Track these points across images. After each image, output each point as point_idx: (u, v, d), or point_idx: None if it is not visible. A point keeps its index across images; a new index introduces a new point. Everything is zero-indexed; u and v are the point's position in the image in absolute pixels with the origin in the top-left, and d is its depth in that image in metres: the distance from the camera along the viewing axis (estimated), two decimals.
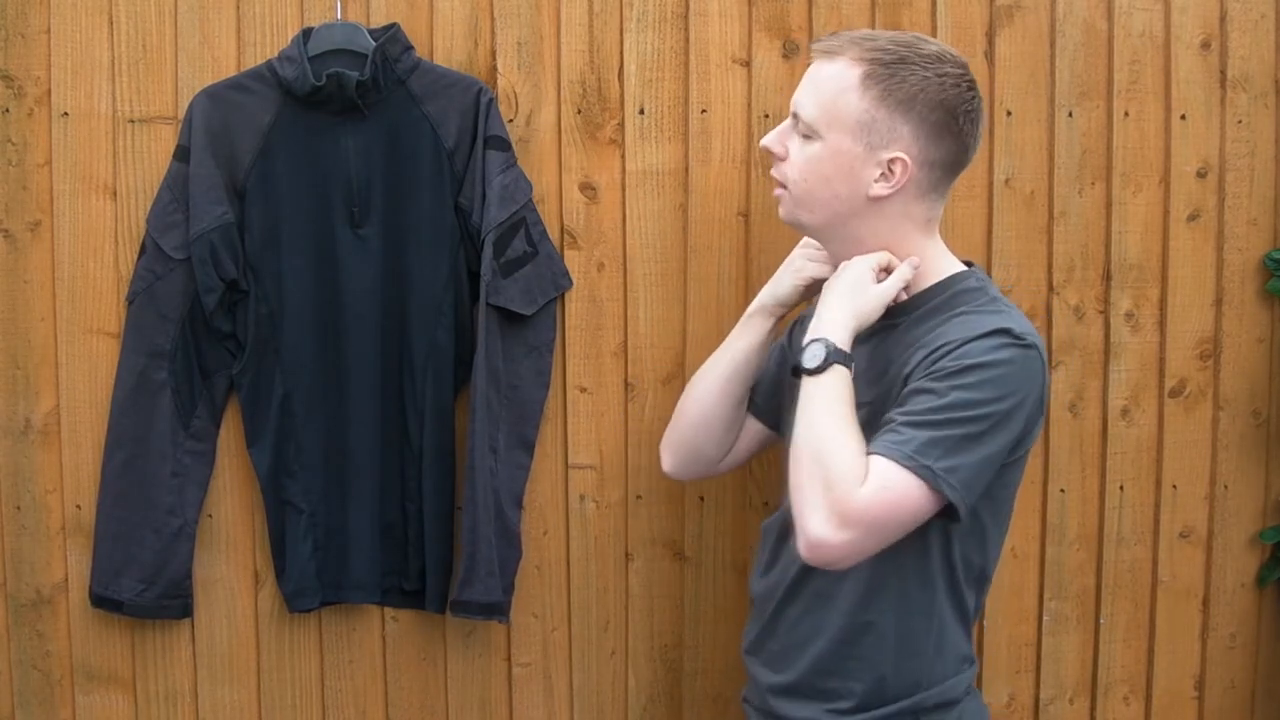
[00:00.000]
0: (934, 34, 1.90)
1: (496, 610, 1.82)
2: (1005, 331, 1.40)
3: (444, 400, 1.84)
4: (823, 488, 1.33)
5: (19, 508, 1.87)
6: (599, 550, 1.94)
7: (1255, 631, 2.06)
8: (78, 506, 1.87)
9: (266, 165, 1.80)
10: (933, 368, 1.39)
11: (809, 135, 1.48)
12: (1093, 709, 2.03)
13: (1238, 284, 2.00)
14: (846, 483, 1.33)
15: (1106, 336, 1.98)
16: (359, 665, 1.92)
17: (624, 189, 1.89)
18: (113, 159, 1.83)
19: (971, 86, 1.47)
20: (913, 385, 1.40)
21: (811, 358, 1.41)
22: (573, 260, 1.89)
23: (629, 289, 1.90)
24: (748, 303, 1.90)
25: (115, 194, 1.84)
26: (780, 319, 1.70)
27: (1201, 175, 1.98)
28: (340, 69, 1.76)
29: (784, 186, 1.52)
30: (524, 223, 1.82)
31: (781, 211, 1.54)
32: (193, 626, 1.89)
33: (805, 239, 1.66)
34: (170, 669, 1.90)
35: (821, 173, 1.48)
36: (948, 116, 1.45)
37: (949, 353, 1.39)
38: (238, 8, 1.83)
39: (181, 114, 1.81)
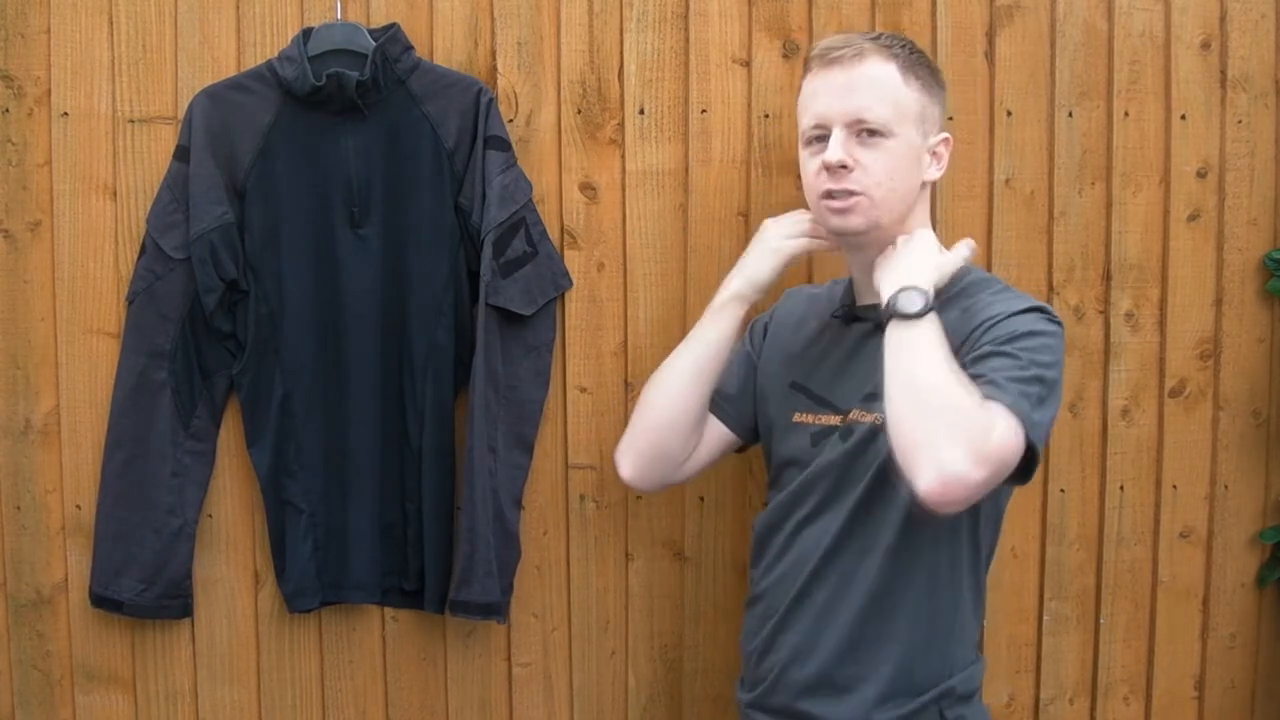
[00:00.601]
0: (934, 34, 1.91)
1: (495, 610, 1.82)
2: (1041, 309, 1.48)
3: (444, 400, 1.84)
4: (960, 426, 1.31)
5: (19, 508, 1.87)
6: (599, 550, 1.94)
7: (1255, 631, 2.06)
8: (78, 506, 1.87)
9: (266, 165, 1.80)
10: (986, 337, 1.42)
11: (882, 135, 1.50)
12: (1093, 709, 2.03)
13: (1238, 284, 2.00)
14: (981, 423, 1.31)
15: (1106, 336, 1.98)
16: (359, 665, 1.92)
17: (624, 189, 1.89)
18: (113, 159, 1.84)
19: None
20: (976, 354, 1.41)
21: (909, 302, 1.40)
22: (573, 260, 1.89)
23: (629, 289, 1.90)
24: None
25: (115, 194, 1.84)
26: (753, 306, 1.67)
27: (1201, 175, 1.98)
28: (340, 69, 1.76)
29: (856, 195, 1.52)
30: (524, 223, 1.82)
31: (856, 221, 1.53)
32: (193, 626, 1.89)
33: (776, 218, 1.66)
34: (170, 669, 1.90)
35: (902, 170, 1.53)
36: (944, 90, 1.61)
37: (998, 323, 1.43)
38: (238, 8, 1.84)
39: (181, 114, 1.81)
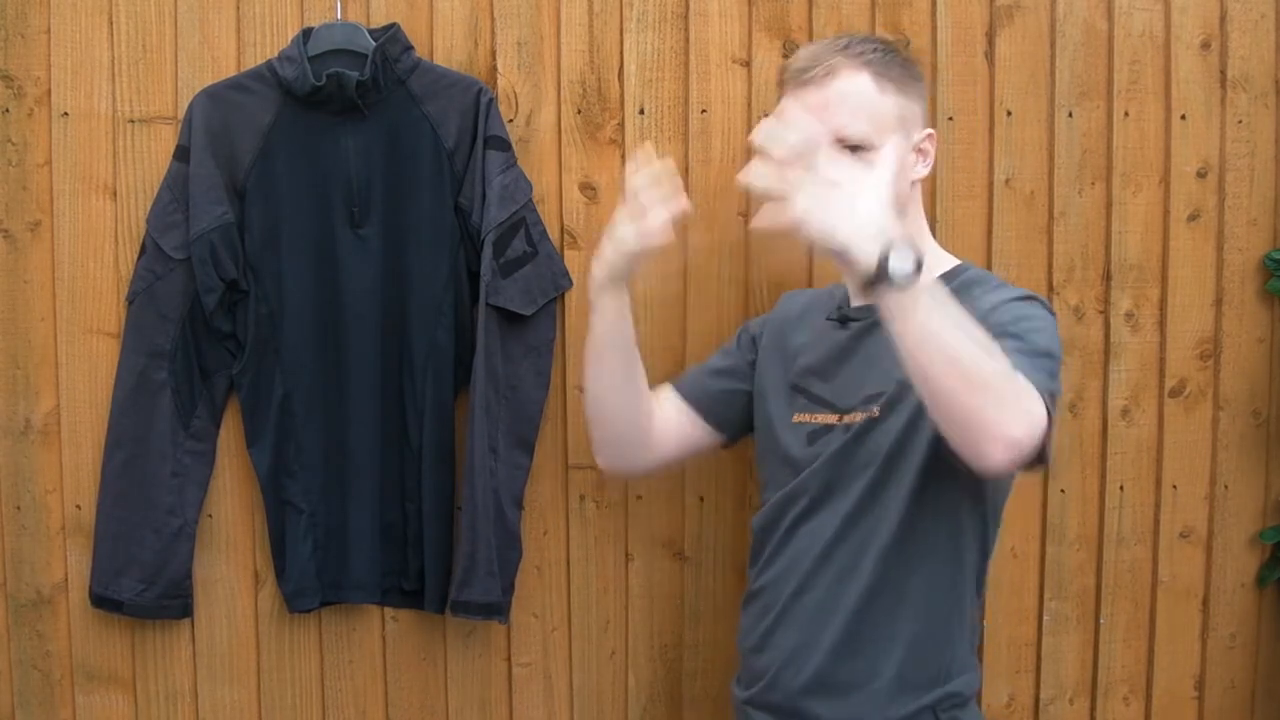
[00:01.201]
0: (934, 34, 1.91)
1: (495, 610, 1.82)
2: (1035, 298, 1.49)
3: (444, 400, 1.84)
4: (1011, 392, 1.27)
5: (19, 508, 1.87)
6: (599, 550, 1.94)
7: (1255, 631, 2.06)
8: (78, 506, 1.87)
9: (266, 165, 1.80)
10: (988, 324, 1.36)
11: (864, 149, 1.49)
12: (1093, 709, 2.03)
13: (1238, 284, 2.00)
14: (1027, 390, 1.29)
15: (1106, 336, 1.98)
16: (359, 665, 1.92)
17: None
18: (113, 159, 1.84)
19: None
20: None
21: (901, 262, 1.21)
22: (573, 260, 1.88)
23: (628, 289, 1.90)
24: (748, 302, 1.91)
25: (115, 194, 1.84)
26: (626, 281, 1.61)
27: (1201, 175, 1.98)
28: (340, 69, 1.76)
29: None
30: (524, 223, 1.82)
31: None
32: (193, 626, 1.89)
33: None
34: (170, 669, 1.90)
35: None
36: (922, 82, 1.59)
37: (998, 310, 1.43)
38: (238, 8, 1.83)
39: (181, 114, 1.81)
